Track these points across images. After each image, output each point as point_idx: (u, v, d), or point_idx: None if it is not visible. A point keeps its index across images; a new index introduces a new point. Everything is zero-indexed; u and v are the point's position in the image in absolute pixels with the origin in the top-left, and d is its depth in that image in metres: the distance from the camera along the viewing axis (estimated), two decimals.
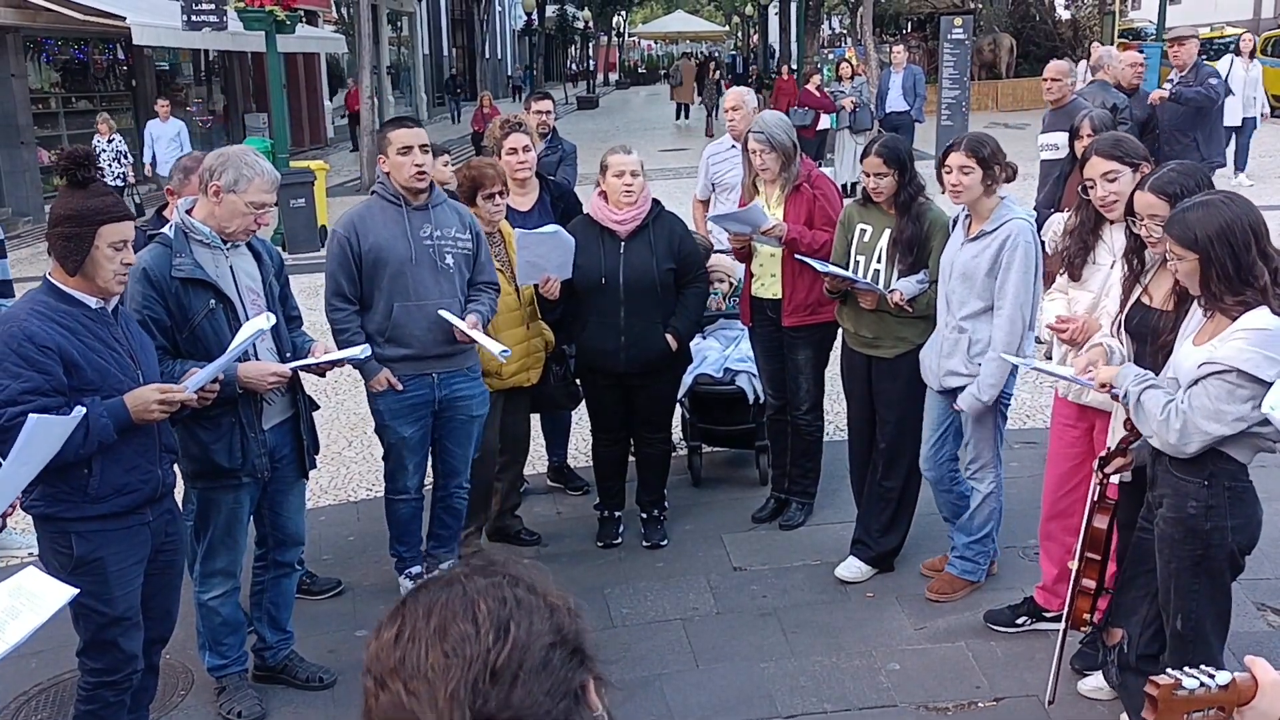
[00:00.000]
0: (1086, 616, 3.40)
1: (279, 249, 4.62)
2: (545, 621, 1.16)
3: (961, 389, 4.46)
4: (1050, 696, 3.87)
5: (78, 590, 2.88)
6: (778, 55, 34.65)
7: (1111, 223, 3.88)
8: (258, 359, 3.84)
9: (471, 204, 4.87)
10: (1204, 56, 9.47)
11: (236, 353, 3.51)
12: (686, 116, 32.19)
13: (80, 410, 3.06)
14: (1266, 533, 3.31)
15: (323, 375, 4.20)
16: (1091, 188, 3.83)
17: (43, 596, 2.69)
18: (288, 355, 3.97)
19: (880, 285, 4.65)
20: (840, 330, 5.06)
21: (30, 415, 2.92)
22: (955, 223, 4.50)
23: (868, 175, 4.65)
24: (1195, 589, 3.17)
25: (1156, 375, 3.28)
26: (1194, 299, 3.23)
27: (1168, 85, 8.90)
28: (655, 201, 5.17)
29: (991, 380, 4.33)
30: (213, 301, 3.73)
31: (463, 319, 4.44)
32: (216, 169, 3.74)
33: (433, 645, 1.13)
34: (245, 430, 3.83)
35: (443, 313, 4.41)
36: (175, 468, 3.65)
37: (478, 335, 4.44)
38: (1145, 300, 3.51)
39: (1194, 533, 3.10)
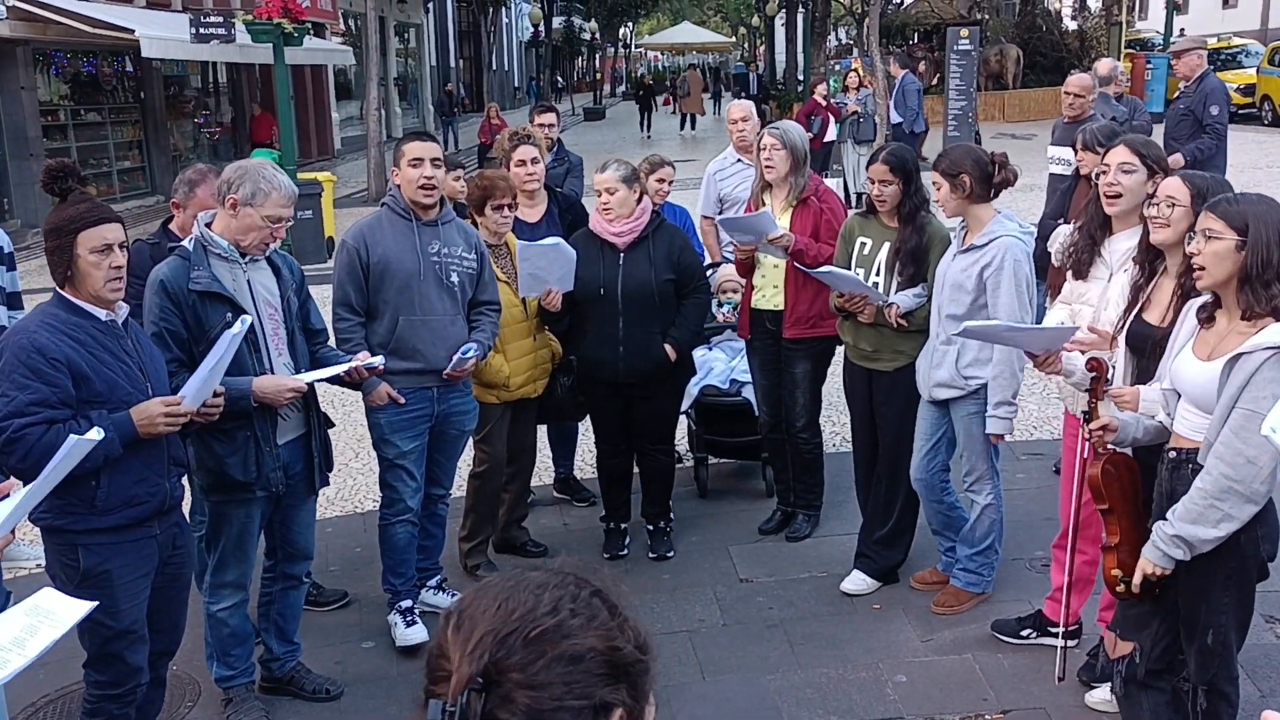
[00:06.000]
0: (1116, 574, 3.24)
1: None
2: (602, 630, 1.21)
3: (950, 401, 4.47)
4: (1060, 673, 3.94)
5: (96, 604, 2.88)
6: (785, 67, 34.69)
7: (1112, 232, 3.87)
8: (273, 373, 3.85)
9: (480, 214, 4.89)
10: (1213, 67, 9.40)
11: (217, 361, 3.43)
12: (693, 127, 32.23)
13: (99, 431, 3.06)
14: None
15: (356, 387, 4.24)
16: (1104, 173, 3.81)
17: (60, 613, 2.70)
18: (304, 370, 3.98)
19: (880, 294, 4.66)
20: (841, 344, 5.06)
21: (70, 436, 2.94)
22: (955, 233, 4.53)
23: (873, 183, 4.67)
24: (1226, 602, 3.12)
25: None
26: (1188, 304, 3.22)
27: (1180, 103, 8.82)
28: (655, 213, 5.20)
29: (998, 398, 4.33)
30: (229, 315, 3.73)
31: (467, 342, 4.50)
32: (235, 182, 3.76)
33: (495, 598, 1.22)
34: (260, 444, 3.84)
35: (446, 373, 4.45)
36: (184, 481, 3.66)
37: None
38: (1144, 315, 3.49)
39: (1229, 544, 3.03)
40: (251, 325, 3.78)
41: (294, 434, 4.01)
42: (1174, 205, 3.31)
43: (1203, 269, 3.00)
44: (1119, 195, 3.77)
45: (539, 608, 1.20)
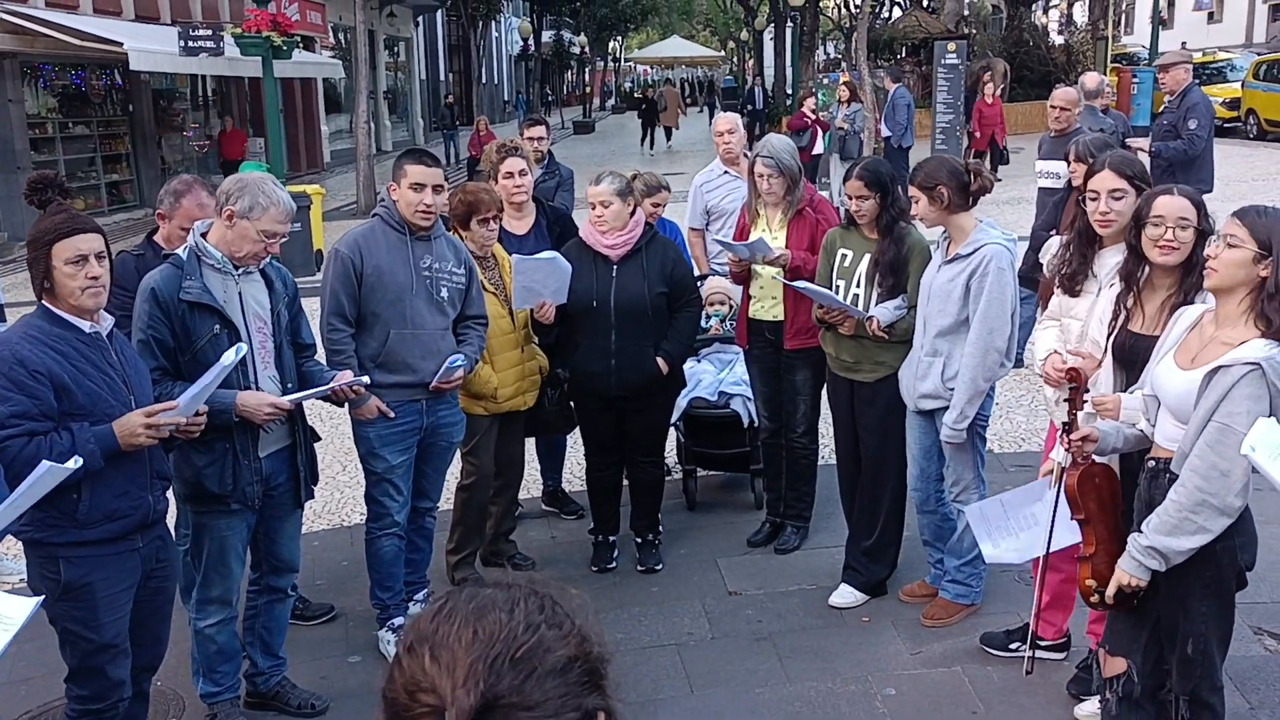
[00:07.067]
0: (1090, 584, 3.27)
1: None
2: (573, 639, 1.21)
3: (935, 411, 4.48)
4: (1028, 666, 3.88)
5: (42, 597, 2.88)
6: (774, 81, 34.83)
7: (1101, 247, 3.88)
8: (258, 389, 3.83)
9: (465, 228, 4.88)
10: (1198, 81, 9.45)
11: (206, 384, 3.42)
12: (668, 139, 32.33)
13: (78, 460, 3.05)
14: (1262, 556, 3.29)
15: (341, 405, 4.26)
16: (1094, 199, 3.82)
17: (9, 614, 2.69)
18: (290, 386, 3.95)
19: (859, 309, 4.67)
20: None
21: (44, 461, 2.94)
22: (937, 244, 4.53)
23: (850, 198, 4.70)
24: (1204, 611, 3.13)
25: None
26: (1176, 313, 3.23)
27: (1164, 118, 8.88)
28: (648, 225, 5.20)
29: (960, 408, 4.34)
30: (217, 327, 3.72)
31: (455, 354, 4.50)
32: (234, 194, 3.75)
33: (466, 623, 1.20)
34: (239, 457, 3.81)
35: (432, 385, 4.44)
36: (168, 494, 3.63)
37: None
38: (1131, 327, 3.50)
39: (1205, 554, 3.04)
40: (241, 338, 3.76)
41: (277, 446, 3.98)
42: (1186, 226, 3.32)
43: (1214, 271, 3.03)
44: (1112, 222, 3.79)
45: (516, 626, 1.19)
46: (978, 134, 18.88)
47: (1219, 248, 3.03)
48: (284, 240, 3.90)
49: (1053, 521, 3.52)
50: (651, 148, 31.10)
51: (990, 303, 4.27)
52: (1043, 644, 4.34)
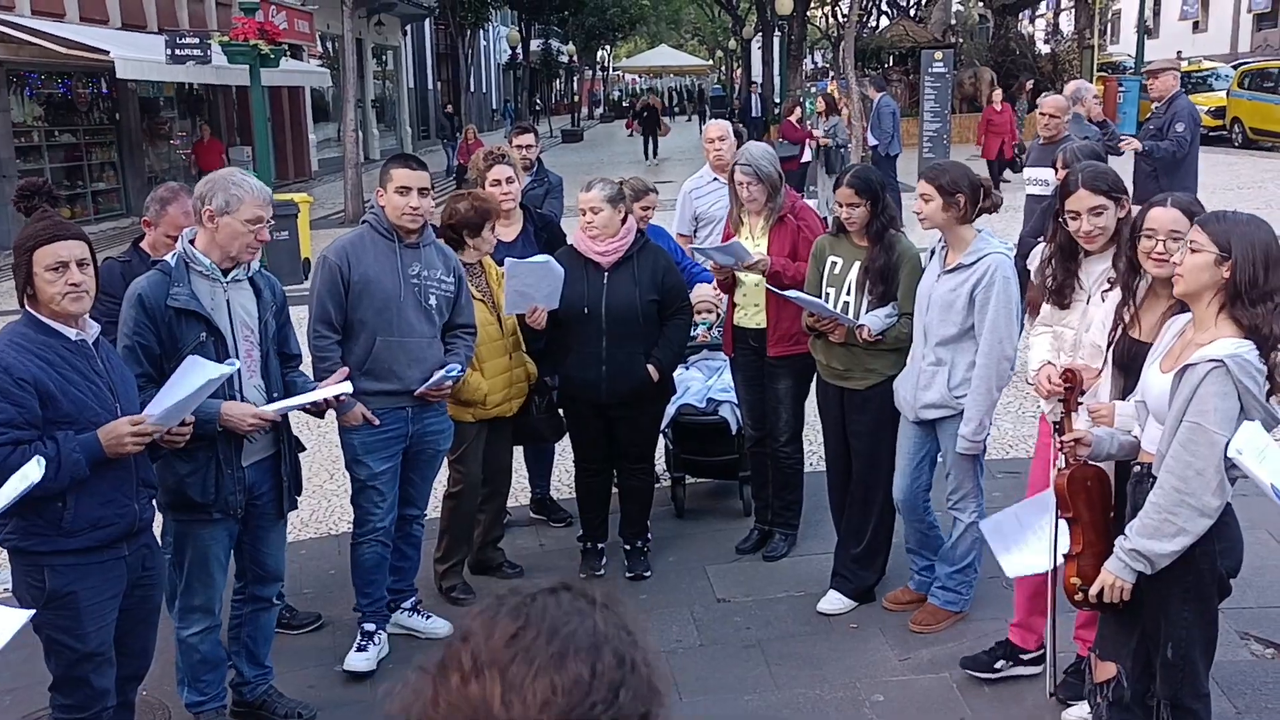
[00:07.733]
0: (1075, 582, 3.29)
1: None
2: (644, 697, 1.14)
3: (938, 421, 4.47)
4: (1051, 688, 3.88)
5: (34, 610, 2.86)
6: (760, 90, 34.92)
7: (1088, 254, 3.90)
8: (243, 398, 3.81)
9: (477, 235, 4.87)
10: (1184, 89, 9.50)
11: (192, 393, 3.38)
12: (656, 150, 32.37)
13: (39, 463, 3.05)
14: (1248, 561, 3.30)
15: (321, 415, 4.24)
16: (1075, 219, 3.83)
17: None
18: (275, 395, 3.93)
19: (849, 317, 4.68)
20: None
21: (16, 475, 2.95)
22: (933, 253, 4.53)
23: (840, 206, 4.70)
24: (1185, 615, 3.15)
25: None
26: (1169, 320, 3.25)
27: (1150, 124, 8.92)
28: (640, 233, 5.20)
29: (977, 420, 4.35)
30: (204, 334, 3.70)
31: (441, 366, 4.49)
32: (206, 195, 3.74)
33: (544, 671, 1.10)
34: (221, 466, 3.79)
35: (419, 392, 4.43)
36: (154, 502, 3.62)
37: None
38: (1133, 334, 3.51)
39: (1183, 559, 3.07)
40: (227, 346, 3.75)
41: (262, 455, 3.96)
42: (1179, 238, 3.33)
43: (1180, 277, 3.07)
44: (1097, 238, 3.82)
45: (599, 688, 1.10)
46: (983, 142, 18.64)
47: (1183, 254, 3.07)
48: (271, 225, 3.88)
49: (1055, 526, 3.53)
50: (651, 157, 30.99)
51: (998, 313, 4.28)
52: (1024, 657, 4.32)
